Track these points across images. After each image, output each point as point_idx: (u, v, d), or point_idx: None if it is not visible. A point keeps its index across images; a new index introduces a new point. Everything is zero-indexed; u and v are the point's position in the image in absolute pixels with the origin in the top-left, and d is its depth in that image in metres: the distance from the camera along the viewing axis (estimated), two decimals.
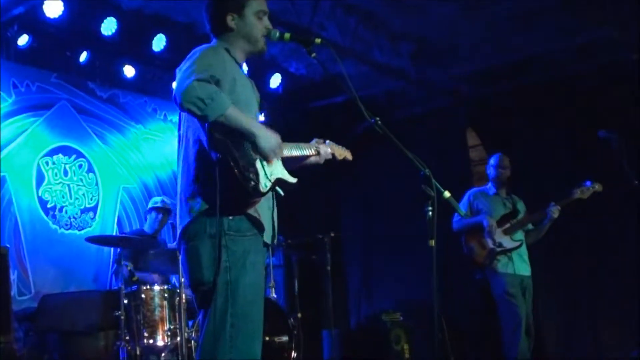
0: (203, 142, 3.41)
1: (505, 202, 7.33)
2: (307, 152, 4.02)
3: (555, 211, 7.00)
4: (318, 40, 3.79)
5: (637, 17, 7.81)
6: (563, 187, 7.23)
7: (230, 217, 3.39)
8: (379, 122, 3.73)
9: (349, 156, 4.35)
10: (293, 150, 3.88)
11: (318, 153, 4.08)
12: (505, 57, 9.01)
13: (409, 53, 9.15)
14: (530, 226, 7.27)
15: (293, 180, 3.70)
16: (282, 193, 3.67)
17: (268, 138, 3.44)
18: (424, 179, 3.55)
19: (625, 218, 8.01)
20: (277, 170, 3.57)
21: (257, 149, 3.41)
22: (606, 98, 8.49)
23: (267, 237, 3.56)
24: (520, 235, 7.15)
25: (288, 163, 3.80)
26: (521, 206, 7.36)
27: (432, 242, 3.56)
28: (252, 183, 3.30)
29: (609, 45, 8.36)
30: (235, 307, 3.37)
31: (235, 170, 3.25)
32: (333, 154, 4.21)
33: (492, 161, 7.48)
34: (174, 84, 8.60)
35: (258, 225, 3.49)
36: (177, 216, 3.59)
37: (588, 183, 7.00)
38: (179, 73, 3.41)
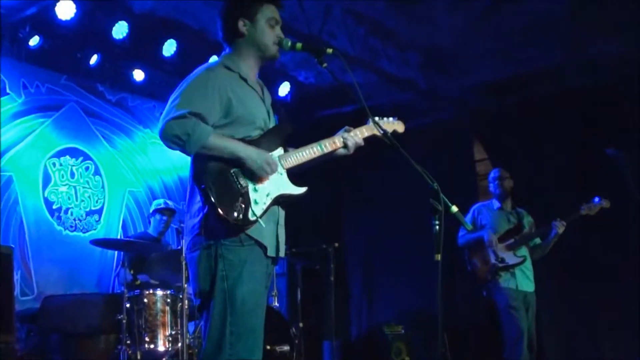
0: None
1: (510, 217, 7.29)
2: (329, 146, 3.91)
3: (560, 226, 6.96)
4: (329, 50, 3.79)
5: None
6: (569, 202, 7.21)
7: (225, 228, 3.44)
8: (389, 134, 3.73)
9: (400, 128, 4.34)
10: (307, 152, 3.82)
11: (345, 145, 3.96)
12: (514, 69, 8.99)
13: (418, 63, 9.15)
14: (538, 240, 7.22)
15: (300, 191, 3.68)
16: (283, 209, 3.68)
17: (254, 159, 3.47)
18: (431, 192, 3.52)
19: (628, 234, 7.98)
20: (277, 187, 3.59)
21: (248, 171, 3.46)
22: (613, 113, 8.46)
23: (270, 250, 3.56)
24: (523, 251, 7.12)
25: (311, 162, 3.81)
26: (527, 220, 7.31)
27: (438, 257, 3.53)
28: (236, 214, 3.38)
29: (617, 61, 8.33)
30: (234, 315, 3.38)
31: (217, 204, 3.34)
32: (374, 135, 4.05)
33: (491, 175, 7.50)
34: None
35: (255, 240, 3.50)
36: (186, 229, 3.64)
37: (596, 199, 6.96)
38: (167, 103, 3.49)
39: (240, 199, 3.40)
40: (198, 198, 3.45)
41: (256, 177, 3.49)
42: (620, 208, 6.98)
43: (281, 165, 3.65)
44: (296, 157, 3.77)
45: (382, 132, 3.74)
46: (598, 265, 8.47)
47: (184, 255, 6.36)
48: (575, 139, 8.87)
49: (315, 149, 3.86)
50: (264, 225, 3.49)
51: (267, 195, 3.52)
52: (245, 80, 3.70)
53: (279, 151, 3.70)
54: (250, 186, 3.46)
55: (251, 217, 3.41)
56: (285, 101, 9.46)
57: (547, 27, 7.97)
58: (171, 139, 3.35)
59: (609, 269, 8.38)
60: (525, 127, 9.37)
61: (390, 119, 4.34)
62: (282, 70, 9.25)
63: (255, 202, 3.46)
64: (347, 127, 4.10)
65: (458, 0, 7.61)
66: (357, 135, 4.05)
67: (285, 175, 3.67)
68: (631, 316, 7.97)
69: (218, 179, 3.39)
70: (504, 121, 9.60)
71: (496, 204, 7.38)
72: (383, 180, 10.07)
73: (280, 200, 3.60)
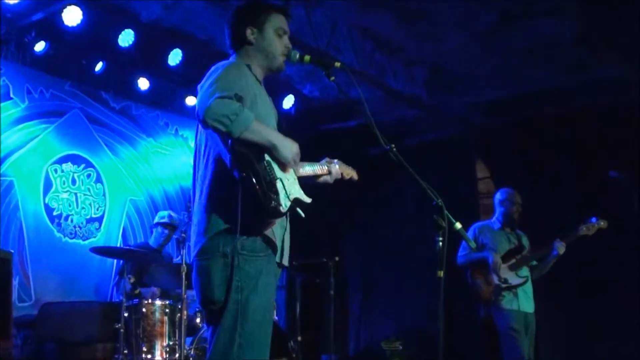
0: (225, 160, 3.40)
1: (510, 238, 7.24)
2: (319, 170, 3.98)
3: (561, 247, 6.93)
4: (337, 64, 3.77)
5: None
6: (569, 223, 7.19)
7: (245, 237, 3.36)
8: (394, 149, 3.70)
9: (355, 176, 4.26)
10: (307, 168, 3.86)
11: (329, 172, 4.03)
12: (519, 88, 9.00)
13: (423, 80, 9.15)
14: (534, 262, 7.20)
15: (308, 200, 3.67)
16: (302, 214, 3.58)
17: (289, 147, 3.44)
18: (435, 209, 3.49)
19: (629, 257, 7.96)
20: (294, 190, 3.56)
21: (278, 158, 3.41)
22: (616, 135, 8.47)
23: (278, 256, 3.54)
24: (525, 271, 7.08)
25: (308, 180, 3.83)
26: (525, 241, 7.28)
27: (441, 273, 3.48)
28: (274, 203, 3.29)
29: (621, 83, 8.34)
30: (245, 327, 3.33)
31: (259, 190, 3.24)
32: (342, 174, 4.14)
33: (502, 195, 7.33)
34: (192, 101, 8.61)
35: (272, 246, 3.48)
36: (192, 233, 3.55)
37: (594, 220, 6.95)
38: (200, 90, 3.40)
39: (274, 188, 3.33)
40: (230, 189, 3.33)
41: (283, 167, 3.46)
42: (622, 230, 6.96)
43: (295, 171, 3.65)
44: (305, 169, 3.81)
45: (387, 147, 3.70)
46: (598, 287, 8.46)
47: (184, 265, 6.33)
48: (577, 159, 8.88)
49: (316, 168, 3.95)
50: (302, 215, 3.50)
51: (290, 195, 3.47)
52: (259, 82, 3.71)
53: None
54: (279, 179, 3.41)
55: (283, 208, 3.35)
56: (289, 114, 9.46)
57: (552, 49, 7.99)
58: (218, 118, 3.21)
59: (609, 291, 8.37)
60: (528, 147, 9.37)
61: (349, 167, 4.29)
62: (287, 82, 9.25)
63: (286, 195, 3.42)
64: (327, 159, 4.13)
65: (465, 19, 7.62)
66: (341, 169, 4.13)
67: (297, 181, 3.65)
68: (630, 337, 7.96)
69: (253, 168, 3.29)
70: (507, 140, 9.61)
71: (497, 224, 7.31)
72: (384, 195, 10.08)
73: (292, 205, 3.55)
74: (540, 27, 7.60)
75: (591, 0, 7.03)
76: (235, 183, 3.30)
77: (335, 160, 4.18)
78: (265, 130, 3.38)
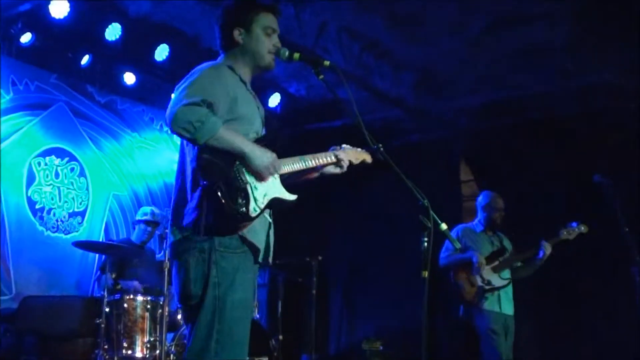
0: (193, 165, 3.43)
1: (493, 240, 7.28)
2: (311, 163, 3.92)
3: (548, 247, 6.98)
4: (327, 63, 3.75)
5: (637, 66, 7.86)
6: (552, 227, 7.23)
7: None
8: (382, 149, 3.70)
9: (368, 159, 4.26)
10: (296, 164, 3.82)
11: (336, 161, 4.01)
12: (505, 93, 9.02)
13: (410, 83, 9.16)
14: (518, 263, 7.23)
15: (292, 197, 3.67)
16: (293, 198, 3.64)
17: (261, 157, 3.44)
18: (421, 209, 3.49)
19: (612, 263, 7.99)
20: (272, 190, 3.55)
21: (250, 168, 3.42)
22: (602, 143, 8.51)
23: (261, 255, 3.54)
24: (507, 273, 7.11)
25: (298, 176, 3.83)
26: (507, 243, 7.32)
27: (425, 274, 3.49)
28: (242, 209, 3.33)
29: (608, 91, 8.38)
30: (222, 323, 3.34)
31: (222, 199, 3.26)
32: (350, 160, 4.13)
33: (484, 199, 7.38)
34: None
35: (249, 245, 3.47)
36: (169, 230, 3.57)
37: (574, 224, 7.02)
38: (174, 93, 3.43)
39: (242, 193, 3.35)
40: (195, 194, 3.37)
41: (258, 175, 3.45)
42: (605, 236, 7.00)
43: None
44: (290, 165, 3.77)
45: (374, 147, 3.70)
46: (579, 291, 8.50)
47: (166, 262, 6.31)
48: (562, 165, 8.91)
49: (308, 161, 3.89)
50: (268, 219, 3.52)
51: (265, 196, 3.48)
52: (244, 84, 3.70)
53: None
54: (251, 183, 3.42)
55: (252, 213, 3.37)
56: (275, 112, 9.44)
57: (541, 55, 8.02)
58: (183, 126, 3.24)
59: (590, 295, 8.41)
60: (513, 151, 9.39)
61: (359, 149, 4.27)
62: (274, 81, 9.23)
63: (256, 200, 3.42)
64: (335, 147, 4.13)
65: (455, 24, 7.63)
66: (349, 155, 4.12)
67: (279, 180, 3.65)
68: (610, 342, 8.00)
69: (221, 173, 3.32)
70: (492, 144, 9.63)
71: (480, 226, 7.35)
72: (369, 196, 10.08)
73: (272, 205, 3.56)
74: (529, 33, 7.62)
75: (582, 8, 7.06)
76: (201, 188, 3.34)
77: (344, 146, 4.18)
78: (235, 139, 3.38)
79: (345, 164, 4.05)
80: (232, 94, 3.52)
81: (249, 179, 3.42)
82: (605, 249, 7.80)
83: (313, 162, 3.93)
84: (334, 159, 4.01)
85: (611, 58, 7.91)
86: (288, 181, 3.73)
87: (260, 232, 3.53)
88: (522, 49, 7.98)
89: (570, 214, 7.54)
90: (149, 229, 7.59)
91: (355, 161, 4.19)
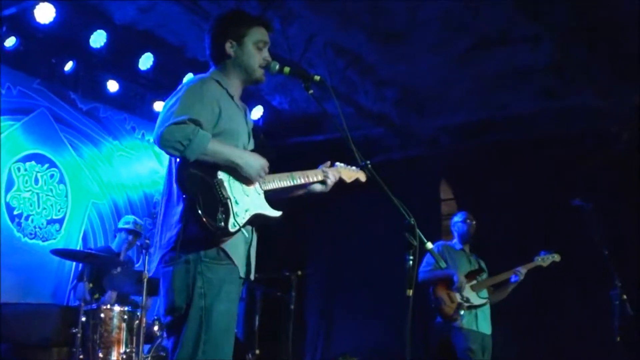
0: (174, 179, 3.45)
1: (471, 259, 7.40)
2: (300, 180, 3.90)
3: (523, 273, 7.06)
4: (317, 78, 3.75)
5: (621, 89, 7.95)
6: (531, 249, 7.30)
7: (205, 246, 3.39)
8: (369, 165, 3.69)
9: (362, 177, 4.23)
10: (284, 181, 3.81)
11: (323, 180, 3.98)
12: (488, 113, 9.09)
13: (394, 99, 9.19)
14: (491, 288, 7.30)
15: (276, 214, 3.67)
16: (277, 214, 3.63)
17: (251, 164, 3.49)
18: (407, 227, 3.48)
19: (591, 287, 8.04)
20: (255, 206, 3.55)
21: (242, 175, 3.45)
22: (583, 165, 8.58)
23: (241, 271, 3.52)
24: (485, 293, 7.19)
25: (284, 192, 3.81)
26: (483, 264, 7.41)
27: (410, 292, 3.47)
28: (220, 224, 3.32)
29: (591, 113, 8.47)
30: (209, 334, 3.33)
31: (200, 213, 3.27)
32: (341, 178, 4.11)
33: (458, 217, 7.56)
34: (160, 106, 8.54)
35: (231, 259, 3.45)
36: (157, 240, 3.55)
37: (547, 253, 7.16)
38: (162, 110, 3.45)
39: (222, 208, 3.35)
40: (179, 208, 3.38)
41: (250, 181, 3.50)
42: (584, 259, 7.06)
43: (260, 186, 3.63)
44: (278, 182, 3.77)
45: (362, 163, 3.68)
46: (556, 313, 8.54)
47: (145, 272, 6.27)
48: (542, 186, 8.96)
49: (297, 179, 3.89)
50: (247, 235, 3.49)
51: (246, 211, 3.48)
52: (232, 97, 3.69)
53: None
54: (232, 198, 3.42)
55: (231, 228, 3.36)
56: (257, 125, 9.42)
57: (525, 75, 8.08)
58: (171, 144, 3.28)
59: (567, 317, 8.45)
60: (493, 171, 9.44)
61: (353, 168, 4.25)
62: (257, 93, 9.23)
63: (236, 215, 3.41)
64: (325, 164, 4.12)
65: (440, 43, 7.68)
66: (343, 173, 4.12)
67: (262, 196, 3.65)
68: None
69: (202, 187, 3.34)
70: (473, 163, 9.67)
71: (458, 245, 7.45)
72: (349, 211, 10.07)
73: (255, 221, 3.56)
74: (513, 53, 7.69)
75: (564, 31, 7.13)
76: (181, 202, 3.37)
77: (337, 164, 4.18)
78: (225, 150, 3.42)
79: (331, 183, 4.03)
80: (217, 109, 3.52)
81: (230, 193, 3.42)
82: (584, 273, 7.85)
83: (302, 179, 3.91)
84: (321, 177, 3.98)
85: (593, 80, 7.99)
86: (273, 197, 3.72)
87: (240, 247, 3.51)
88: (505, 69, 8.06)
89: (549, 236, 7.60)
90: (130, 237, 7.53)
91: (348, 179, 4.18)
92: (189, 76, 8.28)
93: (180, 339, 3.35)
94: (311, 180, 3.96)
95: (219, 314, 3.35)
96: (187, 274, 3.35)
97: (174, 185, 3.46)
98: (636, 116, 8.19)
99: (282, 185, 3.80)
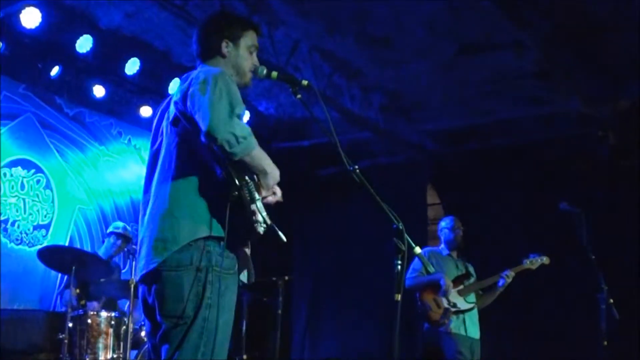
0: (217, 175, 3.30)
1: (458, 264, 7.38)
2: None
3: (510, 277, 7.07)
4: (305, 82, 3.73)
5: (605, 95, 8.00)
6: (517, 253, 7.31)
7: (219, 253, 3.29)
8: (358, 170, 3.69)
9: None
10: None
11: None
12: (474, 119, 9.13)
13: (380, 105, 9.22)
14: (480, 291, 7.30)
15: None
16: (284, 238, 3.44)
17: (275, 174, 3.40)
18: (396, 232, 3.49)
19: (578, 291, 8.07)
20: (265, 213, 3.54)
21: (263, 183, 3.35)
22: (568, 170, 8.63)
23: (243, 276, 3.48)
24: (472, 297, 7.19)
25: None
26: (471, 269, 7.41)
27: (398, 297, 3.48)
28: (257, 224, 3.24)
29: (576, 119, 8.52)
30: (207, 346, 3.24)
31: (248, 212, 3.21)
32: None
33: (445, 223, 7.49)
34: (147, 111, 8.39)
35: (238, 265, 3.41)
36: (148, 244, 3.38)
37: (536, 255, 7.15)
38: (197, 90, 3.24)
39: (260, 205, 3.28)
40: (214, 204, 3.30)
41: (265, 188, 3.39)
42: (571, 263, 7.09)
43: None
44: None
45: (350, 168, 3.67)
46: (544, 318, 8.57)
47: (132, 278, 6.26)
48: (529, 191, 9.01)
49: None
50: (284, 240, 3.39)
51: (266, 218, 3.37)
52: None
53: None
54: (259, 200, 3.32)
55: (261, 230, 3.27)
56: None
57: (511, 81, 8.14)
58: (227, 137, 3.10)
59: (555, 322, 8.48)
60: (480, 177, 9.48)
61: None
62: (243, 98, 9.17)
63: (262, 214, 3.32)
64: None
65: (427, 48, 7.70)
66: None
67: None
68: None
69: (241, 184, 3.24)
70: (459, 169, 9.72)
71: (445, 250, 7.44)
72: (337, 217, 10.09)
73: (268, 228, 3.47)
74: (499, 59, 7.73)
75: (550, 36, 7.17)
76: (223, 199, 3.23)
77: None
78: (262, 155, 3.32)
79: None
80: None
81: (256, 195, 3.31)
82: (571, 277, 7.88)
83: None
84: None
85: (579, 86, 8.04)
86: None
87: (247, 252, 3.50)
88: (491, 75, 8.09)
89: (536, 241, 7.63)
90: (119, 242, 7.49)
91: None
92: (175, 81, 8.30)
93: (177, 350, 3.25)
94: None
95: (220, 325, 3.27)
96: (198, 283, 3.24)
97: (184, 184, 3.35)
98: (621, 121, 8.25)
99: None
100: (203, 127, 3.14)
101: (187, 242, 3.27)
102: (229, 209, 3.22)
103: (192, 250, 3.28)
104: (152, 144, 3.63)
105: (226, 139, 3.11)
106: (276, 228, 3.37)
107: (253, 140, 3.22)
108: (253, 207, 3.24)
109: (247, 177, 3.28)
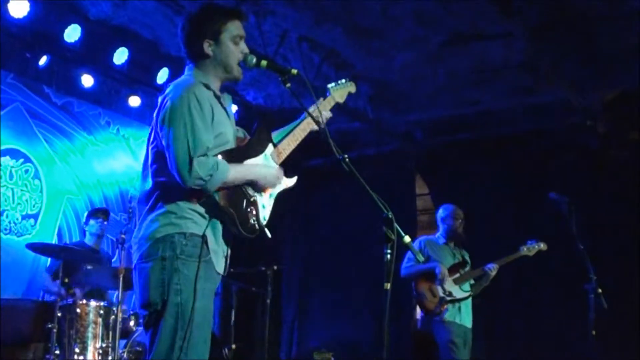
0: None
1: (455, 253, 7.39)
2: (302, 135, 4.04)
3: (494, 270, 7.10)
4: (294, 71, 3.73)
5: (594, 85, 8.03)
6: (506, 244, 7.34)
7: (184, 242, 3.40)
8: (347, 159, 3.69)
9: (352, 89, 4.65)
10: (288, 146, 3.96)
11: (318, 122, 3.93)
12: (462, 109, 9.15)
13: (368, 95, 9.21)
14: (472, 281, 7.32)
15: (293, 180, 3.92)
16: (269, 235, 3.73)
17: (269, 176, 3.65)
18: (385, 221, 3.50)
19: (567, 281, 8.11)
20: (265, 212, 3.69)
21: (257, 187, 3.62)
22: (557, 159, 8.66)
23: (219, 267, 3.55)
24: (468, 286, 7.21)
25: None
26: (468, 258, 7.42)
27: (388, 285, 3.48)
28: (255, 224, 3.58)
29: (565, 109, 8.55)
30: (184, 329, 3.34)
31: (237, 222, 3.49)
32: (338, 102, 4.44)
33: (444, 212, 7.48)
34: (135, 101, 8.35)
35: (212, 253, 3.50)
36: (135, 236, 3.55)
37: (533, 242, 7.15)
38: (171, 139, 3.38)
39: (252, 207, 3.55)
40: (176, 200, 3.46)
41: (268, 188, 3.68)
42: (560, 253, 7.12)
43: (275, 162, 3.80)
44: (285, 149, 3.91)
45: (340, 157, 3.67)
46: (535, 306, 8.61)
47: (121, 267, 6.26)
48: (517, 181, 9.04)
49: (298, 136, 4.02)
50: (269, 236, 3.65)
51: (271, 196, 3.70)
52: (218, 98, 3.66)
53: (270, 148, 3.82)
54: (257, 193, 3.61)
55: (262, 222, 3.61)
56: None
57: (498, 72, 8.15)
58: (194, 182, 3.32)
59: (546, 310, 8.53)
60: (468, 166, 9.50)
61: (343, 80, 4.56)
62: (231, 88, 9.18)
63: (263, 207, 3.62)
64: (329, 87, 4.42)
65: (415, 38, 7.71)
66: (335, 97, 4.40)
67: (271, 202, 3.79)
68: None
69: (232, 197, 3.50)
70: (448, 159, 9.74)
71: (442, 239, 7.43)
72: (325, 206, 10.09)
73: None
74: (487, 49, 7.74)
75: (539, 27, 7.19)
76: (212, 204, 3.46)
77: (328, 88, 4.46)
78: (242, 172, 3.53)
79: (325, 120, 4.01)
80: (211, 115, 3.50)
81: (255, 194, 3.62)
82: (559, 266, 7.92)
83: (303, 134, 4.04)
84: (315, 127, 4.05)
85: (566, 76, 8.06)
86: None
87: (227, 243, 3.59)
88: (479, 65, 8.10)
89: (525, 230, 7.65)
90: (100, 219, 7.50)
91: (342, 100, 4.48)
92: (164, 70, 8.30)
93: (157, 335, 3.37)
94: (310, 129, 4.06)
95: (197, 310, 3.36)
96: (163, 271, 3.37)
97: (167, 179, 3.48)
98: (609, 111, 8.29)
99: (293, 147, 3.97)
100: (172, 170, 3.38)
101: (159, 237, 3.42)
102: (204, 206, 3.45)
103: (160, 244, 3.41)
104: (147, 142, 3.68)
105: (195, 183, 3.34)
106: (263, 226, 3.65)
107: (221, 169, 3.39)
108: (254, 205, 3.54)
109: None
